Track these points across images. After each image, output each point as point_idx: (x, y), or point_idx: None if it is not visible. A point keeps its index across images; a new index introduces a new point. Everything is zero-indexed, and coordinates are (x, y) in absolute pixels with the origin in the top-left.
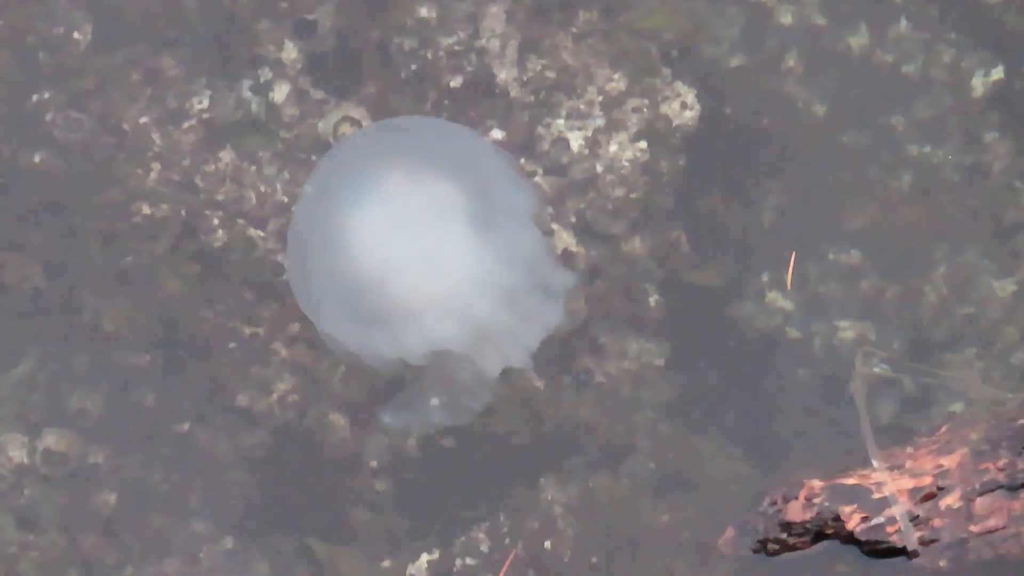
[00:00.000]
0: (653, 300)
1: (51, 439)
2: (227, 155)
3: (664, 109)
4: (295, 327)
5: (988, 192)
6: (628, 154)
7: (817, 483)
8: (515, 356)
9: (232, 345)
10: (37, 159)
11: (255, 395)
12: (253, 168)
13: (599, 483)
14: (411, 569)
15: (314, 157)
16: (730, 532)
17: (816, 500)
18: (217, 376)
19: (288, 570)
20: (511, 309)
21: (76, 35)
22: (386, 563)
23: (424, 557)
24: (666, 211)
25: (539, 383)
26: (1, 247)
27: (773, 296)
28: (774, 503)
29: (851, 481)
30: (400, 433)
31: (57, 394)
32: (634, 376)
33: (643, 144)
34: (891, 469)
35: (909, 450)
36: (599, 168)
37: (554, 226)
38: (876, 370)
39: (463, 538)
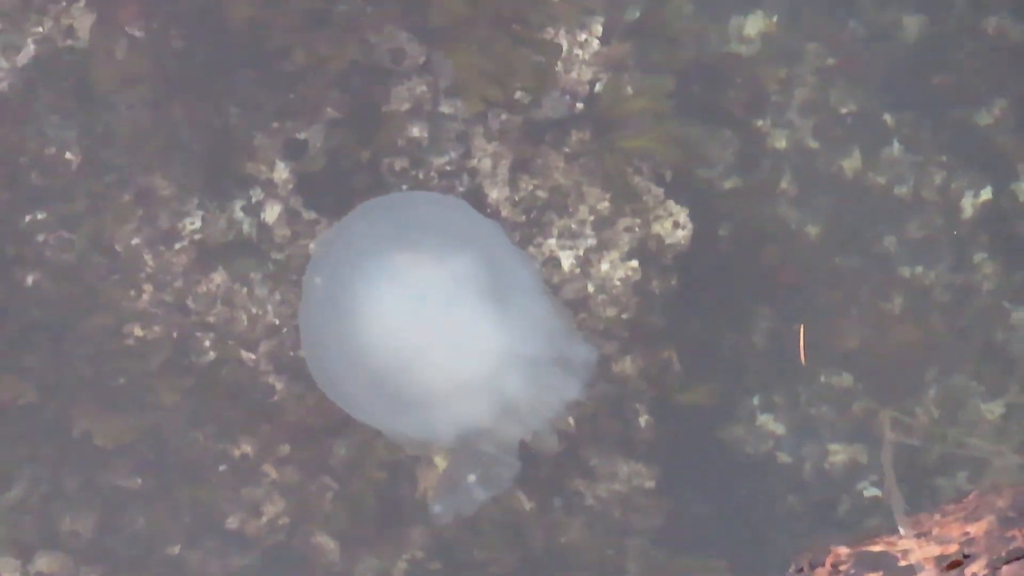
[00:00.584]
0: (644, 421)
1: (43, 562)
2: (219, 276)
3: (656, 228)
4: (285, 448)
5: (977, 312)
6: (620, 273)
7: (843, 550)
8: (536, 427)
9: (222, 467)
10: (30, 280)
11: (245, 517)
12: (245, 290)
13: None
14: None
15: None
16: None
17: (842, 567)
18: (207, 498)
19: None
20: (533, 381)
21: (68, 155)
22: None
23: None
24: (657, 331)
25: (528, 505)
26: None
27: (764, 419)
28: (800, 570)
29: (877, 548)
30: (453, 519)
31: (49, 516)
32: (624, 499)
33: (635, 263)
34: (918, 536)
35: (936, 517)
36: (591, 288)
37: None
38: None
39: None
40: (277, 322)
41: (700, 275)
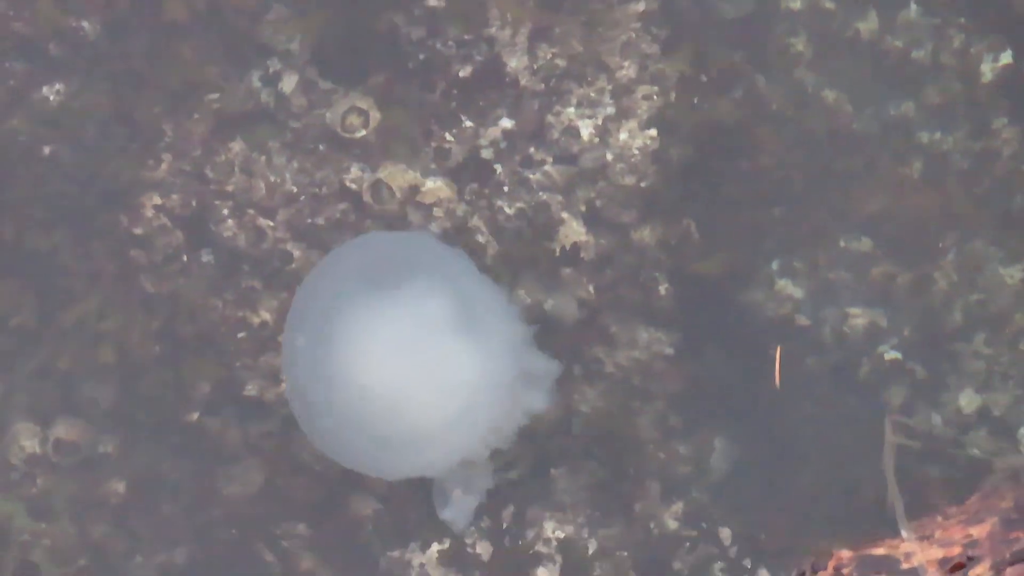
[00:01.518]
0: (663, 289)
1: (62, 429)
2: (237, 145)
3: (674, 97)
4: None
5: (997, 179)
6: (638, 142)
7: (846, 553)
8: (500, 443)
9: (241, 335)
10: (47, 151)
11: (264, 385)
12: (263, 158)
13: (605, 475)
14: (421, 559)
15: (322, 147)
16: None
17: (845, 571)
18: (227, 365)
19: (296, 560)
20: (505, 402)
21: (85, 25)
22: (395, 553)
23: (435, 547)
24: (676, 200)
25: None
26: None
27: (783, 284)
28: (803, 574)
29: (880, 551)
30: (466, 524)
31: (68, 384)
32: (643, 366)
33: (653, 132)
34: (920, 539)
35: (938, 519)
36: (609, 157)
37: (564, 215)
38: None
39: (472, 528)
40: (295, 190)
41: (718, 144)
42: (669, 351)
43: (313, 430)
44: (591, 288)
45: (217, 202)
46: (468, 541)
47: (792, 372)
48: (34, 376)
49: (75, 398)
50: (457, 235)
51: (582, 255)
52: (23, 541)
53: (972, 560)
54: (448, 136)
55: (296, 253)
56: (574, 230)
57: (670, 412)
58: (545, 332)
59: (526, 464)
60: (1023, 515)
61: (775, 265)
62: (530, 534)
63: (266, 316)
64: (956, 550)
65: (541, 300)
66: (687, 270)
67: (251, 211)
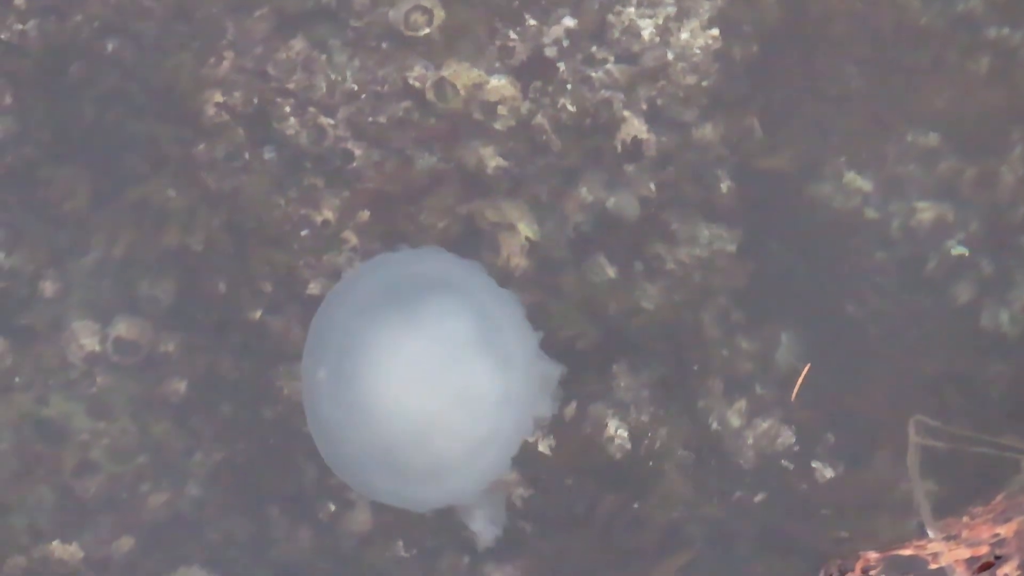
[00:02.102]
0: (725, 186)
1: (122, 327)
2: (298, 43)
3: None
4: (365, 214)
5: None
6: (700, 42)
7: (873, 555)
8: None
9: (304, 233)
10: (110, 47)
11: (327, 283)
12: (324, 56)
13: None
14: None
15: (384, 45)
16: None
17: (872, 572)
18: (289, 264)
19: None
20: (520, 413)
21: None
22: None
23: None
24: (739, 98)
25: (611, 270)
26: (79, 130)
27: (851, 177)
28: (830, 575)
29: (907, 552)
30: (494, 535)
31: (128, 281)
32: (705, 262)
33: (715, 31)
34: (947, 539)
35: (965, 519)
36: (670, 56)
37: (625, 113)
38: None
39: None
40: (355, 88)
41: (782, 43)
42: (731, 248)
43: (335, 459)
44: (652, 185)
45: (279, 100)
46: (531, 440)
47: (861, 265)
48: (93, 273)
49: (135, 296)
50: (521, 132)
51: (644, 152)
52: (82, 440)
53: (1000, 559)
54: (512, 34)
55: (357, 152)
56: (635, 127)
57: (733, 308)
58: (607, 230)
59: (588, 362)
60: None
61: (842, 159)
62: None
63: (328, 215)
64: (984, 549)
65: (603, 198)
66: (750, 166)
67: (312, 109)
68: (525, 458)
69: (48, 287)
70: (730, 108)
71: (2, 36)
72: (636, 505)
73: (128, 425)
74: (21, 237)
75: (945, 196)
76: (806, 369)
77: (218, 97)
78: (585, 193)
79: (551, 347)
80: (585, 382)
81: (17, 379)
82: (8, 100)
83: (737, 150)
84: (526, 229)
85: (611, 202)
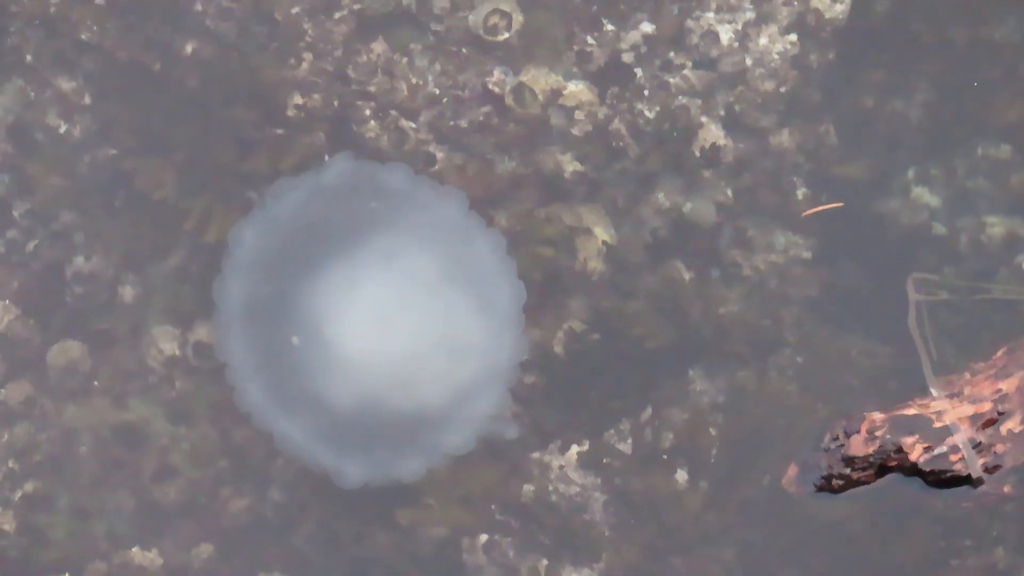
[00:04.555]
0: (800, 193)
1: (202, 331)
2: (379, 46)
3: (815, 3)
4: None
5: None
6: (778, 47)
7: (878, 415)
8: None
9: None
10: (189, 49)
11: None
12: (404, 60)
13: (747, 377)
14: (560, 461)
15: (464, 49)
16: (793, 470)
17: (878, 433)
18: None
19: None
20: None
21: None
22: (535, 455)
23: (574, 449)
24: (814, 105)
25: (688, 275)
26: (159, 129)
27: (919, 192)
28: (835, 438)
29: (911, 411)
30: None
31: (207, 285)
32: (781, 269)
33: (793, 37)
34: (950, 397)
35: (967, 376)
36: (748, 61)
37: (703, 119)
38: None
39: (612, 430)
40: (437, 92)
41: (858, 49)
42: (806, 255)
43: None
44: (729, 192)
45: (359, 103)
46: (609, 441)
47: (928, 281)
48: (173, 277)
49: (215, 300)
50: (598, 137)
51: (721, 158)
52: (162, 445)
53: (1003, 415)
54: (590, 39)
55: (439, 155)
56: (713, 133)
57: (806, 317)
58: (683, 236)
59: (663, 366)
60: None
61: (911, 173)
62: (670, 435)
63: None
64: (987, 406)
65: (679, 203)
66: (825, 174)
67: (393, 112)
68: (600, 464)
69: (128, 292)
70: (806, 115)
71: (82, 36)
72: None
73: (208, 430)
74: (101, 241)
75: (1016, 210)
76: (834, 205)
77: (298, 99)
78: (662, 198)
79: (624, 348)
80: (661, 385)
81: (96, 383)
82: (87, 100)
83: (812, 157)
84: (603, 233)
85: (688, 207)
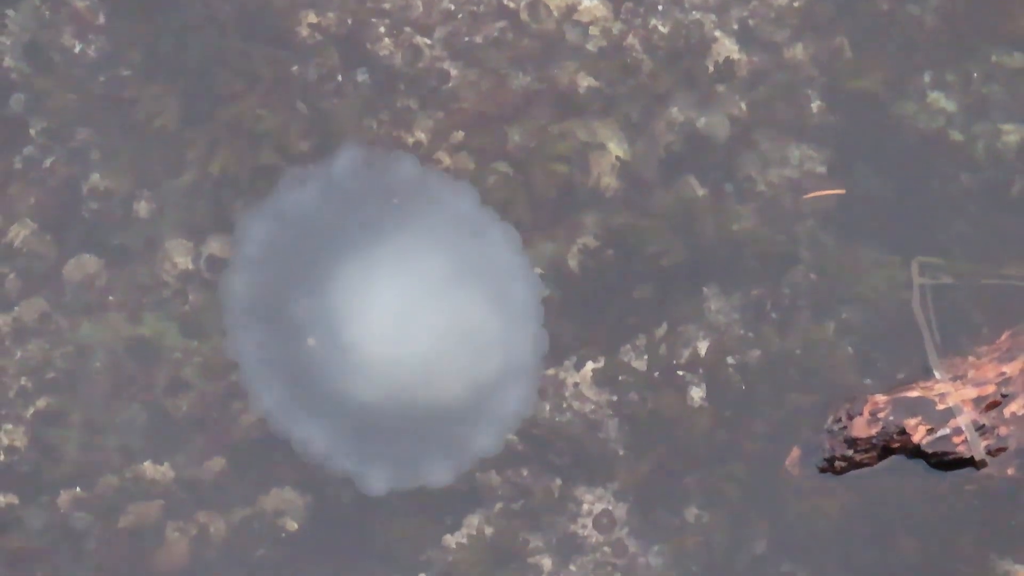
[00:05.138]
0: (815, 106)
1: (215, 245)
2: None
3: None
4: (459, 135)
5: None
6: None
7: (881, 397)
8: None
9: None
10: None
11: None
12: None
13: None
14: (575, 378)
15: None
16: (796, 452)
17: (881, 415)
18: None
19: None
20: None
21: None
22: (550, 371)
23: (589, 365)
24: (828, 18)
25: (701, 191)
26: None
27: (935, 96)
28: (838, 420)
29: (914, 393)
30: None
31: (220, 200)
32: (795, 184)
33: None
34: (953, 379)
35: (971, 359)
36: None
37: (716, 34)
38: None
39: (627, 346)
40: (452, 8)
41: None
42: (821, 169)
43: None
44: (743, 105)
45: (373, 20)
46: (623, 359)
47: (946, 189)
48: (187, 191)
49: (228, 214)
50: (613, 53)
51: (735, 73)
52: (175, 359)
53: (1006, 397)
54: None
55: (453, 72)
56: (727, 48)
57: (821, 230)
58: (697, 150)
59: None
60: None
61: (927, 77)
62: (685, 352)
63: (421, 136)
64: (990, 388)
65: (693, 118)
66: (840, 87)
67: (408, 29)
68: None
69: (142, 207)
70: (820, 28)
71: None
72: None
73: (220, 344)
74: (117, 158)
75: None
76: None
77: (312, 17)
78: (676, 113)
79: (638, 265)
80: (677, 301)
81: (111, 298)
82: (101, 20)
83: (827, 70)
84: (616, 149)
85: (701, 122)
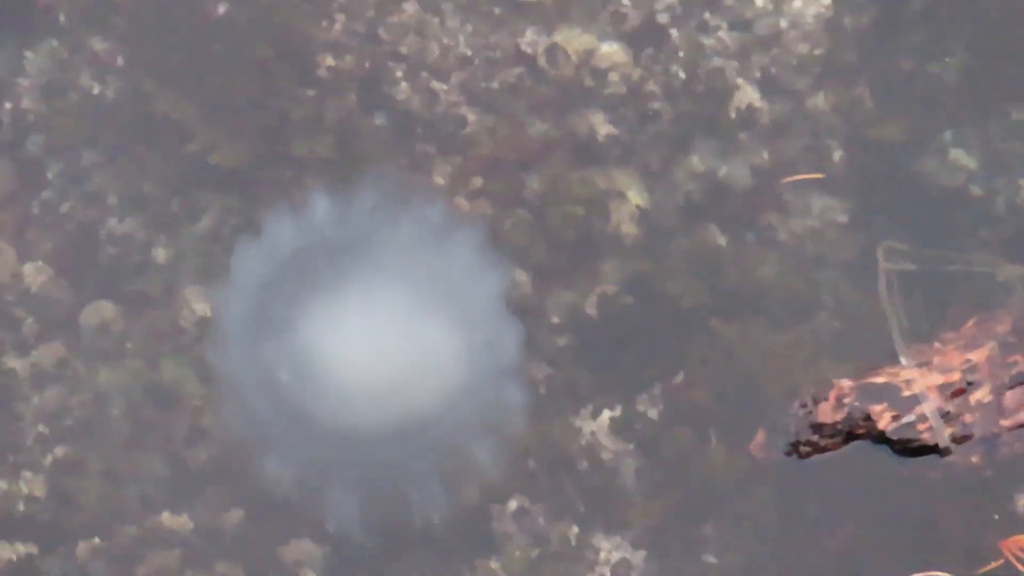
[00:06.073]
0: (837, 156)
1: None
2: (411, 6)
3: None
4: (478, 181)
5: None
6: (812, 10)
7: (846, 383)
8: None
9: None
10: (221, 10)
11: None
12: (436, 20)
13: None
14: (592, 426)
15: (497, 10)
16: (761, 435)
17: (846, 400)
18: None
19: None
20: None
21: None
22: (567, 419)
23: (606, 414)
24: (850, 67)
25: (722, 239)
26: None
27: (956, 154)
28: (804, 405)
29: (880, 379)
30: None
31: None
32: (817, 233)
33: (827, 0)
34: (919, 365)
35: (936, 346)
36: (783, 24)
37: (738, 81)
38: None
39: (644, 395)
40: (469, 53)
41: (894, 12)
42: (843, 219)
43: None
44: (765, 154)
45: (391, 64)
46: (640, 409)
47: (964, 243)
48: (204, 239)
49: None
50: (632, 99)
51: (757, 120)
52: (194, 406)
53: (972, 385)
54: (624, 0)
55: (471, 117)
56: (748, 96)
57: (842, 280)
58: (719, 198)
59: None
60: (1021, 339)
61: (948, 135)
62: (701, 395)
63: (440, 181)
64: (956, 376)
65: (715, 166)
66: (861, 136)
67: (425, 73)
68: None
69: (160, 253)
70: (841, 77)
71: None
72: None
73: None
74: (135, 203)
75: None
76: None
77: (329, 60)
78: (697, 162)
79: (657, 311)
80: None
81: (129, 344)
82: (120, 62)
83: (848, 119)
84: (636, 197)
85: (723, 171)
